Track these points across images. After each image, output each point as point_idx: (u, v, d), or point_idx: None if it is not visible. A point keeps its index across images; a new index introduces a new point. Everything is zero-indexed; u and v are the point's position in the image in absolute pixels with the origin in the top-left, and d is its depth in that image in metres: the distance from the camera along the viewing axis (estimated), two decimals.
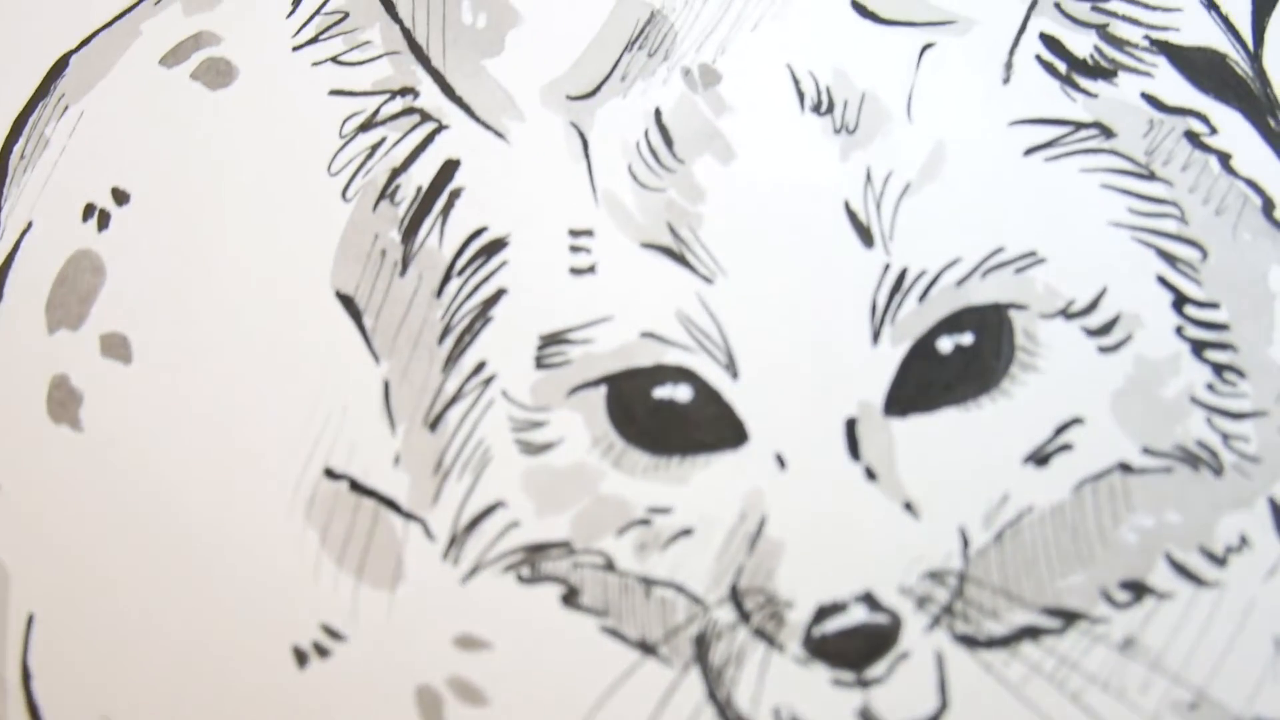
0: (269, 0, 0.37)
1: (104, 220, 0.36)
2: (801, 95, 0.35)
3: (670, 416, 0.33)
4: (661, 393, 0.33)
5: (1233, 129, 0.35)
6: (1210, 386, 0.33)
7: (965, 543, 0.32)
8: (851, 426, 0.33)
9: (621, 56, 0.36)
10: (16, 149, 0.37)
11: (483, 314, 0.34)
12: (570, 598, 0.33)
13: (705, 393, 0.33)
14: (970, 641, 0.32)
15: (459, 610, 0.33)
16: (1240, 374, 0.33)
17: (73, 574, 0.34)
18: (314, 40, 0.37)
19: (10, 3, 0.39)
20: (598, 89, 0.35)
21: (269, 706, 0.33)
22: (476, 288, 0.34)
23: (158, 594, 0.34)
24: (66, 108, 0.37)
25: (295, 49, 0.37)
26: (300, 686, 0.33)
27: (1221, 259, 0.34)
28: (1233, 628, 0.32)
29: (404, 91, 0.36)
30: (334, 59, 0.36)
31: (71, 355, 0.35)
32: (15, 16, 0.38)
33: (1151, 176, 0.35)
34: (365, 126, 0.35)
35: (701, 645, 0.33)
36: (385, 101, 0.36)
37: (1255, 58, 0.36)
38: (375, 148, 0.35)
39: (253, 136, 0.36)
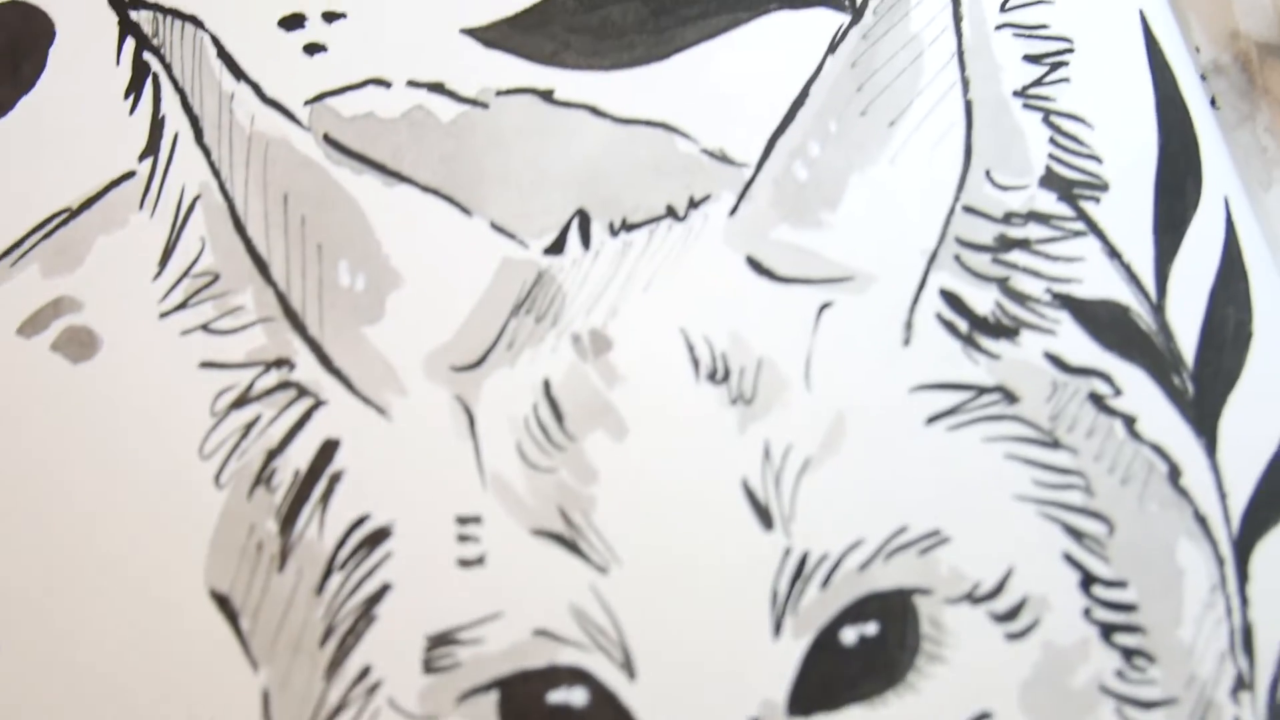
0: (134, 261, 0.35)
1: None
2: (696, 362, 0.34)
3: None
4: (556, 697, 0.31)
5: (1137, 389, 0.35)
6: (1119, 674, 0.32)
7: None
8: None
9: (509, 322, 0.34)
10: None
11: (366, 613, 0.32)
12: None
13: (602, 696, 0.31)
14: None
15: None
16: (1150, 659, 0.32)
17: None
18: (183, 305, 0.35)
19: None
20: (484, 358, 0.34)
21: None
22: (359, 583, 0.32)
23: None
24: None
25: (163, 315, 0.35)
26: None
27: (1129, 533, 0.33)
28: None
29: (279, 363, 0.34)
30: (204, 326, 0.34)
31: None
32: None
33: (1056, 445, 0.34)
34: (239, 403, 0.34)
35: None
36: (259, 375, 0.34)
37: (1158, 309, 0.35)
38: (250, 426, 0.33)
39: (118, 416, 0.34)
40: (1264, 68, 0.40)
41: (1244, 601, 0.33)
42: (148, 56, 0.38)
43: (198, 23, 0.39)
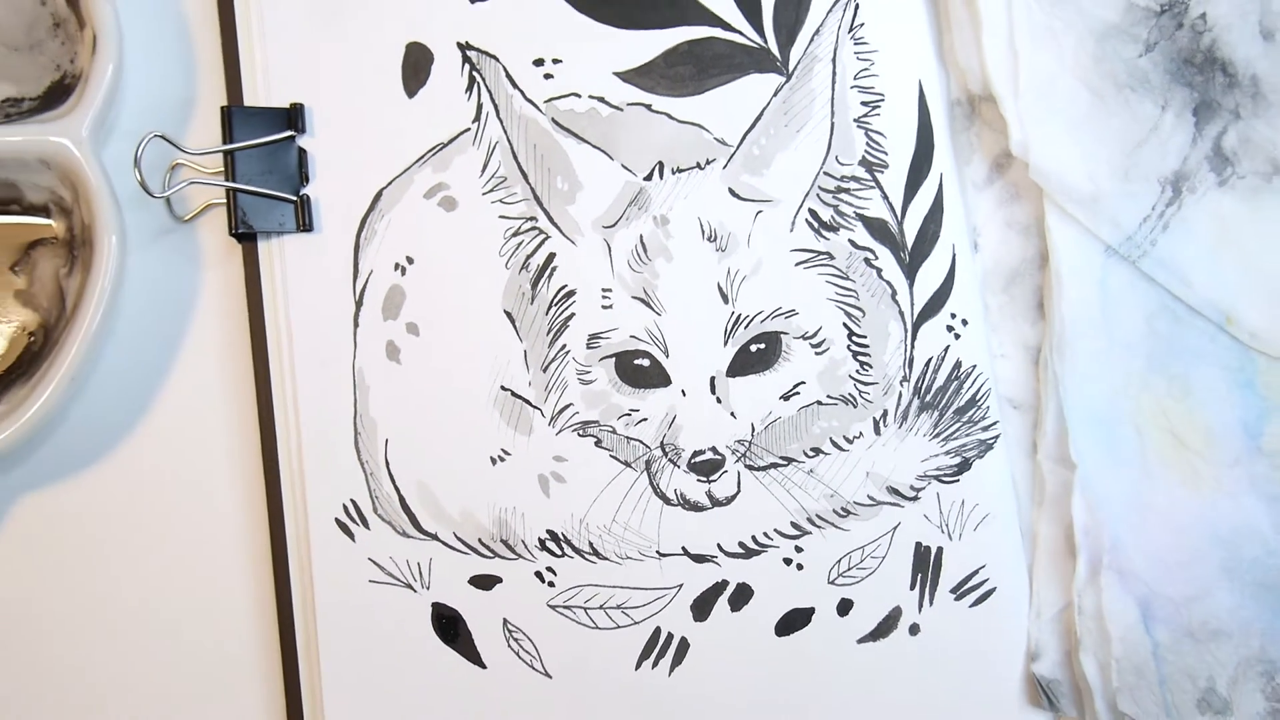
0: (472, 168, 0.75)
1: (403, 271, 0.80)
2: (703, 231, 0.80)
3: (639, 371, 0.78)
4: (637, 362, 0.78)
5: (885, 258, 0.81)
6: (858, 371, 0.80)
7: (753, 430, 0.80)
8: (713, 380, 0.79)
9: (626, 209, 0.80)
10: (363, 234, 0.79)
11: (564, 324, 0.78)
12: (598, 442, 0.76)
13: (654, 362, 0.78)
14: (751, 467, 0.80)
15: (554, 446, 0.77)
16: (870, 367, 0.80)
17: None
18: (492, 190, 0.75)
19: (347, 156, 0.75)
20: (616, 223, 0.80)
21: (478, 481, 0.79)
22: (562, 313, 0.80)
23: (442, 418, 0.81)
24: (383, 215, 0.74)
25: (484, 193, 0.76)
26: (494, 473, 0.79)
27: (871, 317, 0.80)
28: (849, 468, 0.80)
29: (530, 219, 0.75)
30: (500, 200, 0.76)
31: (392, 332, 0.80)
32: (354, 166, 0.75)
33: (846, 277, 0.81)
34: (514, 234, 0.78)
35: (648, 464, 0.80)
36: (523, 223, 0.79)
37: (900, 223, 0.82)
38: (519, 245, 0.78)
39: (469, 236, 0.79)
40: (979, 102, 0.83)
41: (911, 346, 0.81)
42: (475, 74, 0.73)
43: (497, 59, 0.74)
